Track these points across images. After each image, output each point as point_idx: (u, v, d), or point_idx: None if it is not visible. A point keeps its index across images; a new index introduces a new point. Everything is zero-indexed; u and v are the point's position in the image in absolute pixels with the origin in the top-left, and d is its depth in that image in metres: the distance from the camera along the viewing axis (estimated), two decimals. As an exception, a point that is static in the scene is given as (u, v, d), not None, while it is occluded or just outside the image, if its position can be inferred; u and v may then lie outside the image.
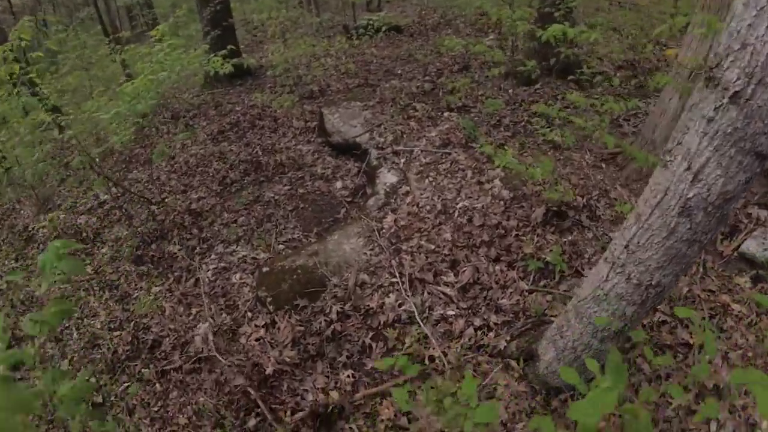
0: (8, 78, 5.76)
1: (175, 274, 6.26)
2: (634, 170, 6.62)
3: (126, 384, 5.38)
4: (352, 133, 7.35)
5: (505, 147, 6.61)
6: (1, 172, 6.25)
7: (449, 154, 6.43)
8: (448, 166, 6.25)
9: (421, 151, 6.56)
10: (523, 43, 8.46)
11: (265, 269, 5.43)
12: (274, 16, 11.55)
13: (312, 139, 8.15)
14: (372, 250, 5.35)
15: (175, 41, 6.68)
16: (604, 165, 6.70)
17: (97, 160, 7.69)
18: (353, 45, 12.62)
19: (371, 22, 12.65)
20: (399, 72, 9.80)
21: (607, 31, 10.11)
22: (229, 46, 8.96)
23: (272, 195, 7.00)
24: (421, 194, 5.87)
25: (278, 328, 5.03)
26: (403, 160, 6.57)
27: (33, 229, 8.31)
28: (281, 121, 8.81)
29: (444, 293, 4.88)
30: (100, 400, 5.31)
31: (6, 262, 7.97)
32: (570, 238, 5.43)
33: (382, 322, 4.79)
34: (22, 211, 9.05)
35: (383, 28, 11.35)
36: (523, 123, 7.13)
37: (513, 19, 6.16)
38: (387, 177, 6.37)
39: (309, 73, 10.37)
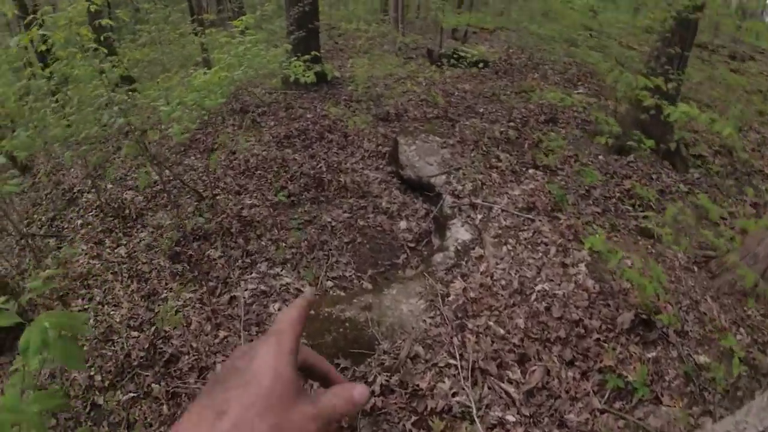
0: (80, 40, 5.20)
1: (210, 284, 5.64)
2: (728, 282, 5.83)
3: (132, 394, 4.76)
4: (427, 172, 6.66)
5: (594, 225, 5.86)
6: (61, 131, 5.71)
7: (532, 221, 5.71)
8: (530, 236, 5.53)
9: (502, 210, 5.84)
10: (622, 107, 7.70)
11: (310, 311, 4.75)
12: (362, 28, 10.96)
13: (381, 167, 7.49)
14: (433, 318, 4.65)
15: (257, 36, 6.05)
16: (696, 269, 5.92)
17: (151, 144, 7.13)
18: (435, 72, 11.97)
19: (458, 52, 11.97)
20: (481, 110, 9.10)
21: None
22: (312, 52, 8.35)
23: (329, 220, 6.35)
24: (497, 264, 5.15)
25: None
26: (480, 216, 5.87)
27: (77, 192, 7.82)
28: (351, 139, 8.18)
29: (507, 392, 4.16)
30: (100, 401, 4.70)
31: (42, 221, 7.51)
32: (654, 353, 4.67)
33: (429, 408, 4.10)
34: (72, 169, 8.59)
35: (476, 62, 10.67)
36: (614, 200, 6.37)
37: (630, 86, 5.39)
38: (460, 232, 5.66)
39: (388, 94, 9.74)
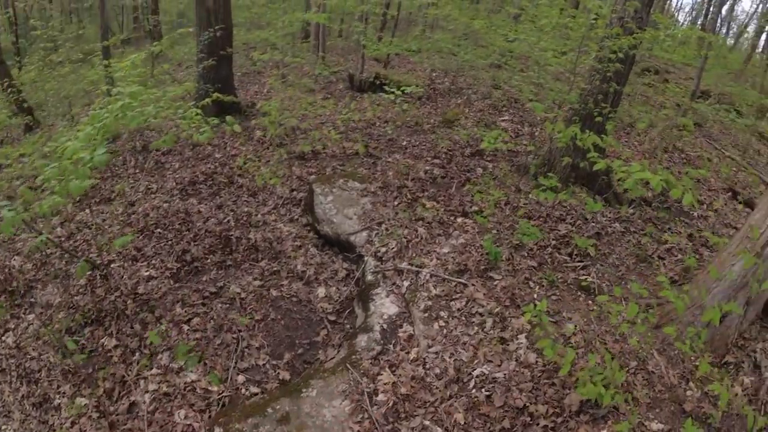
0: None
1: (107, 384, 4.63)
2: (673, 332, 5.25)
3: None
4: (347, 228, 5.84)
5: (531, 283, 5.18)
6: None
7: (465, 286, 4.97)
8: (463, 306, 4.78)
9: (431, 275, 5.07)
10: (551, 142, 7.08)
11: (217, 430, 3.83)
12: (278, 58, 10.06)
13: (296, 217, 6.62)
14: (361, 423, 3.81)
15: (141, 89, 4.98)
16: (639, 319, 5.31)
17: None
18: (355, 99, 11.16)
19: (380, 77, 11.21)
20: (404, 143, 8.35)
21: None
22: (222, 82, 7.38)
23: (238, 291, 5.44)
24: (429, 346, 4.38)
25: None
26: (407, 284, 5.08)
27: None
28: (264, 184, 7.24)
29: None
30: None
31: None
32: (605, 430, 4.07)
33: None
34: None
35: (398, 88, 9.95)
36: (550, 249, 5.71)
37: (568, 137, 4.71)
38: (385, 305, 4.86)
39: (305, 126, 8.87)
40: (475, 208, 6.15)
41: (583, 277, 5.46)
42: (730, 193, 8.64)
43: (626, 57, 5.73)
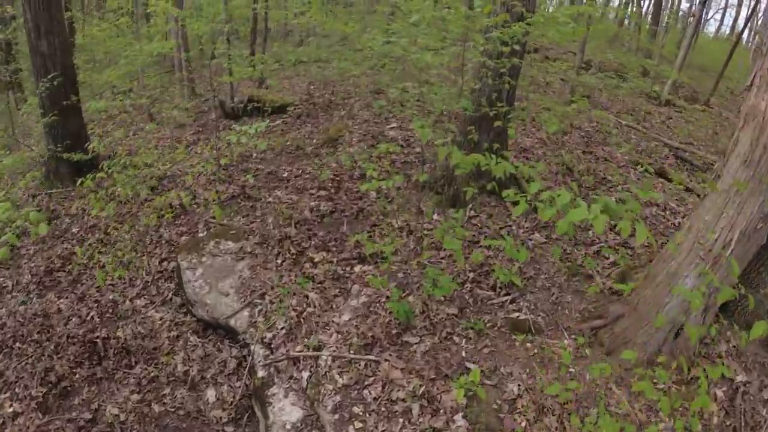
0: None
1: None
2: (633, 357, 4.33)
3: None
4: (224, 310, 4.53)
5: (455, 338, 4.07)
6: None
7: (378, 363, 3.78)
8: (380, 393, 3.61)
9: (333, 358, 3.84)
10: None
11: None
12: (132, 101, 8.51)
13: (169, 296, 5.25)
14: None
15: None
16: (588, 351, 4.35)
17: None
18: (229, 128, 9.74)
19: (253, 99, 9.83)
20: (285, 174, 7.06)
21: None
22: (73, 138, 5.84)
23: (116, 412, 4.08)
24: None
25: None
26: (306, 375, 3.85)
27: None
28: (128, 258, 5.79)
29: None
30: None
31: None
32: None
33: None
34: None
35: (276, 108, 8.63)
36: (469, 285, 4.63)
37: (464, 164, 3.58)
38: (286, 409, 3.64)
39: (171, 170, 7.42)
40: (373, 249, 4.96)
41: (515, 314, 4.42)
42: (639, 166, 7.94)
43: (519, 46, 4.71)
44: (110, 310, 5.25)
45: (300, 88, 11.00)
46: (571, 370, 4.11)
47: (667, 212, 6.77)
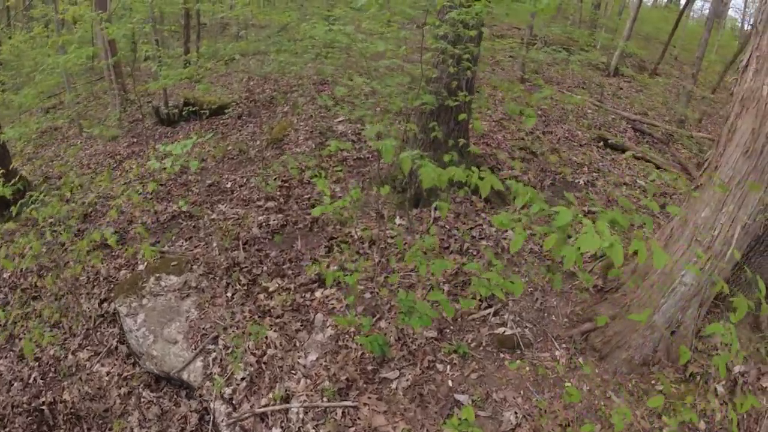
0: None
1: None
2: (624, 361, 3.96)
3: None
4: (174, 362, 3.86)
5: (439, 365, 3.54)
6: None
7: (356, 408, 3.21)
8: (360, 449, 3.02)
9: (305, 410, 3.24)
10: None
11: None
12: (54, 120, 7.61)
13: (114, 344, 4.53)
14: None
15: None
16: (581, 359, 3.90)
17: None
18: (166, 137, 8.94)
19: (189, 102, 9.03)
20: (229, 185, 6.37)
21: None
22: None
23: None
24: None
25: None
26: (274, 433, 3.21)
27: None
28: (66, 302, 5.06)
29: None
30: None
31: None
32: None
33: None
34: None
35: (215, 109, 7.86)
36: (447, 297, 4.07)
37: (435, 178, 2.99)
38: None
39: (104, 188, 6.64)
40: (334, 265, 4.36)
41: (500, 329, 3.92)
42: (601, 143, 7.54)
43: (476, 28, 4.16)
44: (53, 369, 4.52)
45: (239, 86, 10.19)
46: (567, 384, 3.66)
47: (638, 191, 6.40)
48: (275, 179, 5.75)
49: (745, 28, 31.16)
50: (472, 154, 5.20)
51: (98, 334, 4.78)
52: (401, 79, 4.55)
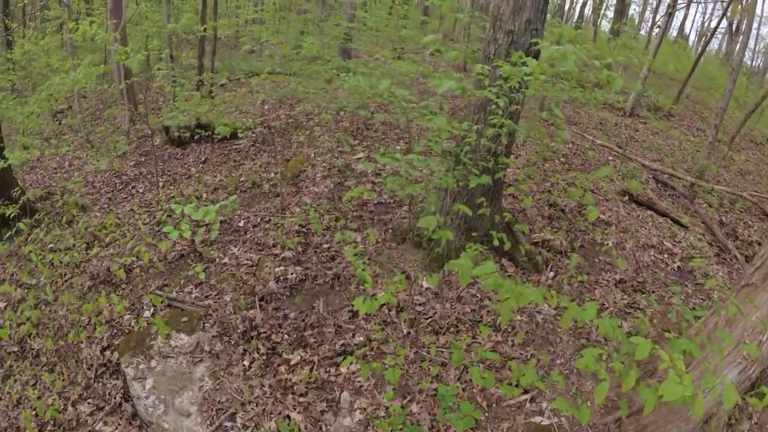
0: None
1: None
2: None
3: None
4: (184, 437, 3.49)
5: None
6: None
7: None
8: None
9: None
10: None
11: None
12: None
13: (118, 401, 4.16)
14: None
15: None
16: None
17: None
18: (175, 156, 8.65)
19: (201, 123, 8.73)
20: (242, 224, 6.06)
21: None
22: None
23: None
24: None
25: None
26: None
27: None
28: (62, 351, 4.73)
29: None
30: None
31: None
32: None
33: None
34: None
35: (231, 134, 7.59)
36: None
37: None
38: None
39: (109, 217, 6.33)
40: (360, 336, 4.05)
41: (536, 417, 3.61)
42: (626, 197, 7.28)
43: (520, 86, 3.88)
44: (52, 421, 4.17)
45: (253, 108, 9.89)
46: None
47: (665, 255, 6.13)
48: (297, 239, 5.39)
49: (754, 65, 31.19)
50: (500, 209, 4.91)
51: (99, 386, 4.42)
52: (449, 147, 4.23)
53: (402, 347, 3.88)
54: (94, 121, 11.91)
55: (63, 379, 4.56)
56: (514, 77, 2.94)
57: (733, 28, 24.16)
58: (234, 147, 8.52)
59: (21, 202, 6.67)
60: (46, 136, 12.00)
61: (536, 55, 4.40)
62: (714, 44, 33.21)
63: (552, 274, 4.96)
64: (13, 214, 6.36)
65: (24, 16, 15.87)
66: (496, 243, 3.57)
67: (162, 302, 4.90)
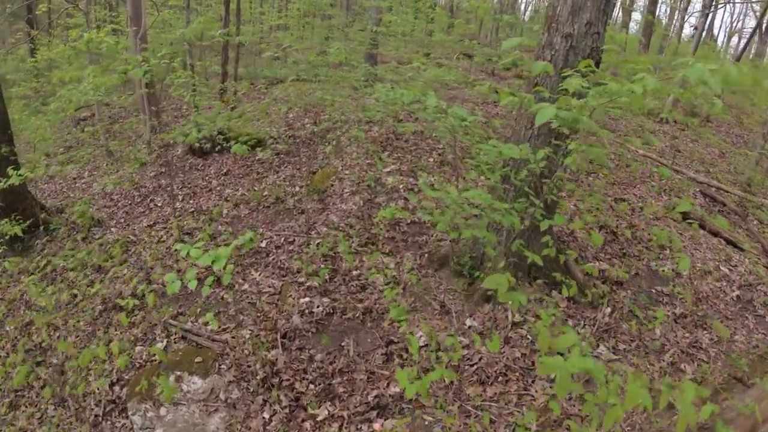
0: None
1: None
2: None
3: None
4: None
5: None
6: None
7: None
8: None
9: None
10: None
11: None
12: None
13: None
14: None
15: None
16: None
17: None
18: (196, 167, 8.19)
19: (223, 133, 8.24)
20: (264, 244, 5.55)
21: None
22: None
23: None
24: None
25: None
26: None
27: None
28: (72, 379, 4.27)
29: None
30: None
31: None
32: None
33: None
34: None
35: (252, 145, 7.08)
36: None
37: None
38: None
39: (123, 232, 5.88)
40: (395, 385, 3.49)
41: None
42: (681, 216, 6.61)
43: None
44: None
45: (278, 117, 9.39)
46: None
47: (723, 282, 5.47)
48: (326, 272, 4.83)
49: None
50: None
51: (108, 425, 3.95)
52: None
53: (444, 401, 3.31)
54: (115, 132, 11.55)
55: (70, 416, 4.10)
56: (593, 98, 2.35)
57: (763, 29, 23.11)
58: (257, 158, 8.02)
59: (34, 218, 6.27)
60: (68, 145, 11.69)
61: (598, 63, 3.82)
62: (736, 45, 31.97)
63: (609, 310, 4.34)
64: (23, 229, 5.95)
65: (49, 22, 15.63)
66: (565, 293, 3.00)
67: (176, 333, 4.41)
